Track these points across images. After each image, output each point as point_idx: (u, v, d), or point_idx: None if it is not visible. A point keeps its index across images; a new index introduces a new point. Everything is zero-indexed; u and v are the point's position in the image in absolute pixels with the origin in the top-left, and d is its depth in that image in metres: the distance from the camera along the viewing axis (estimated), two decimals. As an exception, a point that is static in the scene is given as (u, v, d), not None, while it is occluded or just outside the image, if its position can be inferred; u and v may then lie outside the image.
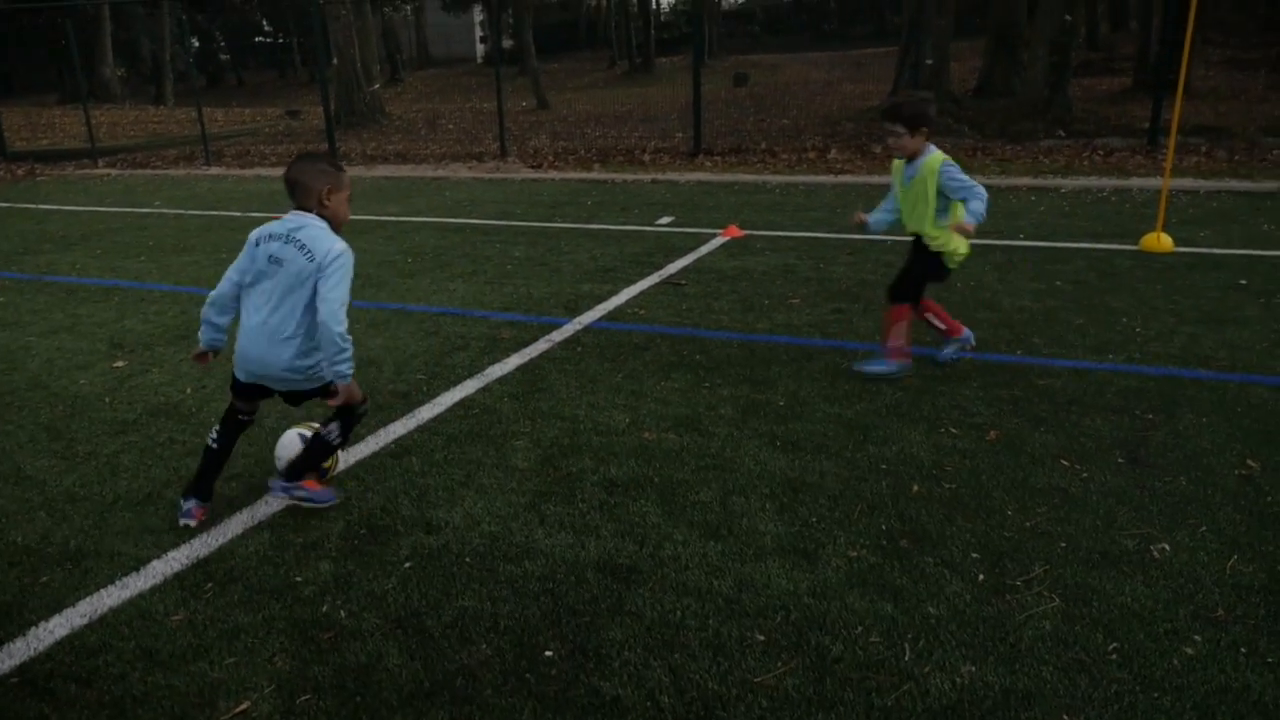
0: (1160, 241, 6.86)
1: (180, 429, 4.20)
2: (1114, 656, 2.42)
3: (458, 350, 5.15)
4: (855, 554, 2.95)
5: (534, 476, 3.59)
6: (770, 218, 8.89)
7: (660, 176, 12.04)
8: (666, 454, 3.74)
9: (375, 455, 3.83)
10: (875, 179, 11.11)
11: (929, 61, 15.42)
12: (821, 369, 4.65)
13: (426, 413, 4.26)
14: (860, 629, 2.57)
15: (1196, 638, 2.49)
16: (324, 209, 3.19)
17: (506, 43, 33.16)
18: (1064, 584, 2.75)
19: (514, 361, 4.93)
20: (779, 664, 2.44)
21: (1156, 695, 2.28)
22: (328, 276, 3.06)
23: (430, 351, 5.15)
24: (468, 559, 3.02)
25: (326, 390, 3.23)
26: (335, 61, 19.79)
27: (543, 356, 4.99)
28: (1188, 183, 9.63)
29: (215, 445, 3.40)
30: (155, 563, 3.08)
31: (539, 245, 7.99)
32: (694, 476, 3.54)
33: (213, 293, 3.32)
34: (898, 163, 4.38)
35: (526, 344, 5.20)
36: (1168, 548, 2.92)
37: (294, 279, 3.10)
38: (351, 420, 3.37)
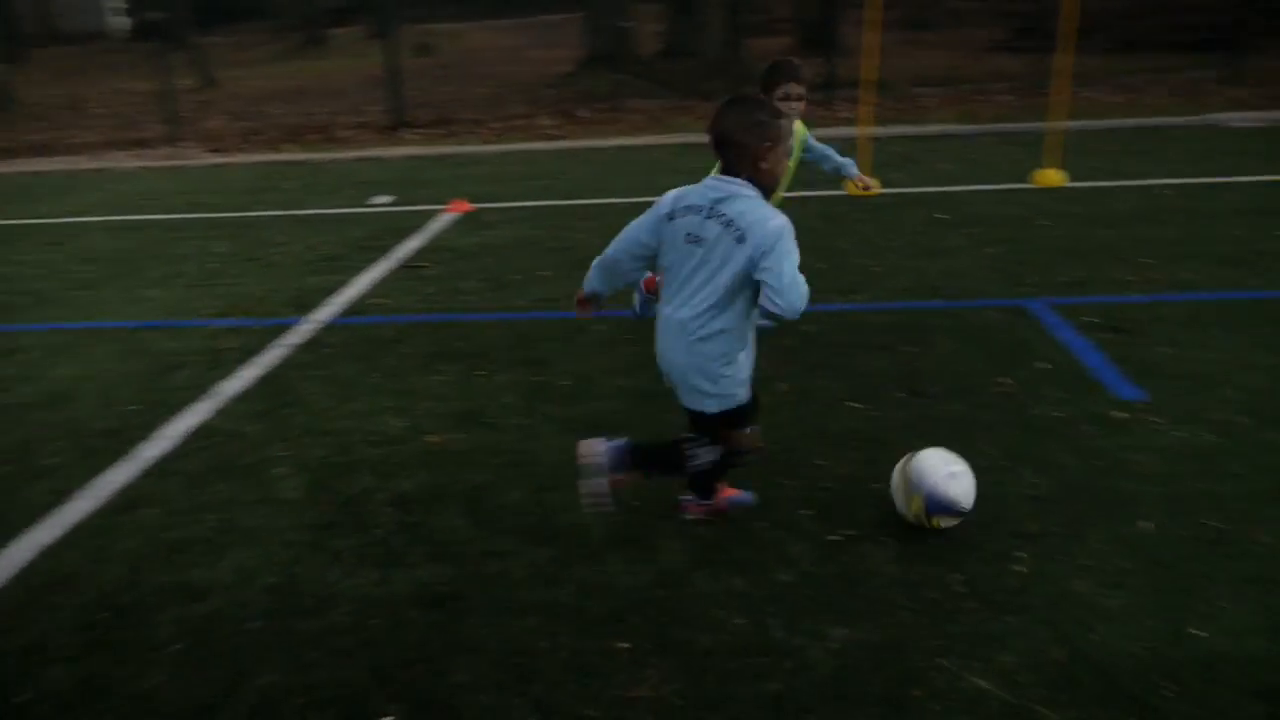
0: (854, 187, 7.38)
1: None
2: (960, 589, 2.47)
3: (174, 370, 4.38)
4: (691, 532, 2.81)
5: (309, 507, 3.09)
6: (495, 189, 8.54)
7: (364, 154, 11.22)
8: (458, 456, 3.38)
9: (97, 514, 3.12)
10: (590, 142, 11.08)
11: (630, 24, 15.66)
12: (596, 342, 4.47)
13: (151, 451, 3.56)
14: (721, 613, 2.43)
15: (1021, 554, 2.61)
16: (759, 172, 2.47)
17: (150, 14, 29.44)
18: (892, 525, 2.78)
19: (248, 374, 4.27)
20: (651, 671, 2.24)
21: (1008, 618, 2.35)
22: (771, 263, 2.37)
23: (139, 375, 4.34)
24: (254, 624, 2.51)
25: (728, 420, 2.59)
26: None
27: (283, 364, 4.38)
28: (868, 130, 10.52)
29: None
30: None
31: (243, 238, 7.09)
32: (496, 477, 3.22)
33: (599, 258, 2.74)
34: (799, 127, 4.10)
35: (257, 352, 4.54)
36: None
37: (717, 264, 2.44)
38: (732, 463, 2.74)
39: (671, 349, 2.59)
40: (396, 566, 2.72)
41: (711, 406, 2.60)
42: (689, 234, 2.49)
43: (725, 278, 2.45)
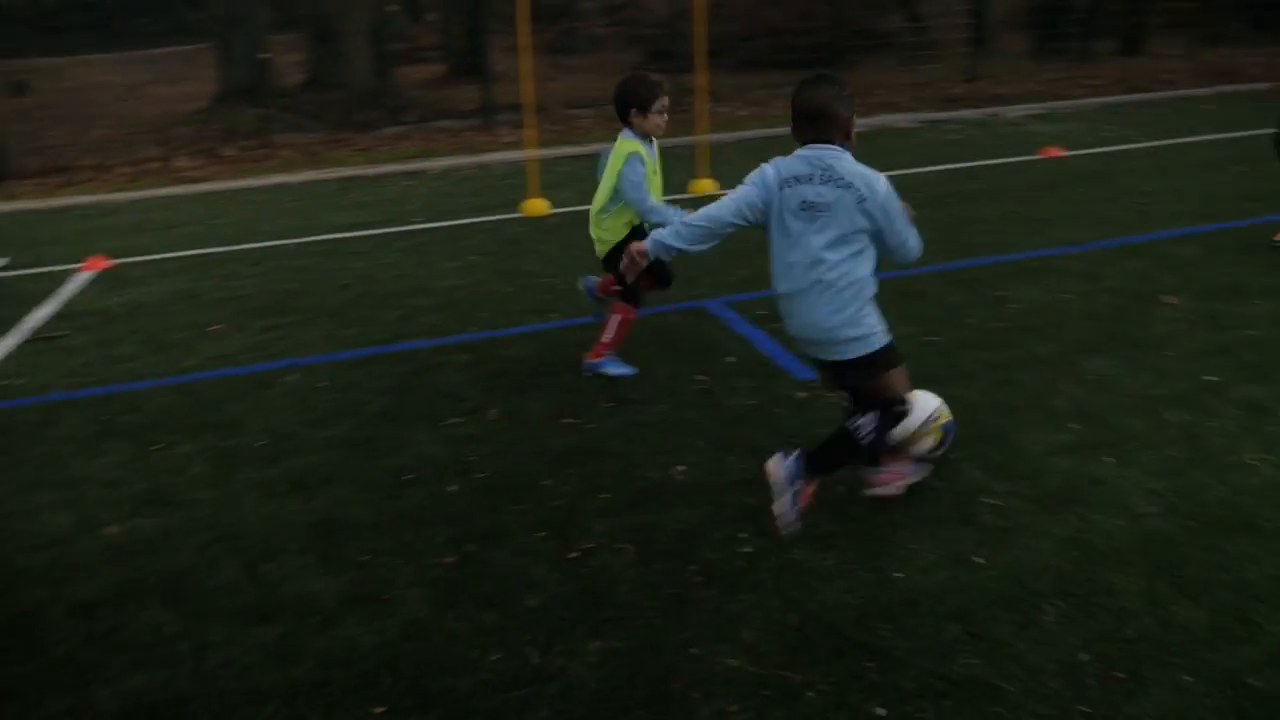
0: (539, 206, 7.58)
1: None
2: (698, 578, 2.62)
3: None
4: (428, 575, 2.72)
5: (-38, 637, 2.59)
6: (138, 241, 7.65)
7: (-41, 213, 9.57)
8: (148, 544, 3.00)
9: None
10: (242, 183, 10.30)
11: (267, 55, 14.76)
12: (286, 394, 4.17)
13: None
14: (476, 652, 2.38)
15: (743, 535, 2.82)
16: (849, 139, 2.75)
17: None
18: (625, 531, 2.88)
19: None
20: (413, 727, 2.14)
21: (743, 595, 2.53)
22: (890, 216, 2.68)
23: None
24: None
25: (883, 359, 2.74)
26: None
27: (-106, 472, 3.63)
28: (531, 153, 10.78)
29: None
30: None
31: None
32: (199, 559, 2.90)
33: (689, 220, 2.97)
34: (636, 146, 3.95)
35: None
36: (684, 468, 3.25)
37: (845, 222, 2.66)
38: (890, 417, 2.77)
39: (811, 311, 2.74)
40: (93, 684, 2.36)
41: (862, 349, 2.73)
42: (804, 201, 2.71)
43: (852, 232, 2.67)
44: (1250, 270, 4.99)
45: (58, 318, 5.61)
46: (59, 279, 6.53)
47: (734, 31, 19.36)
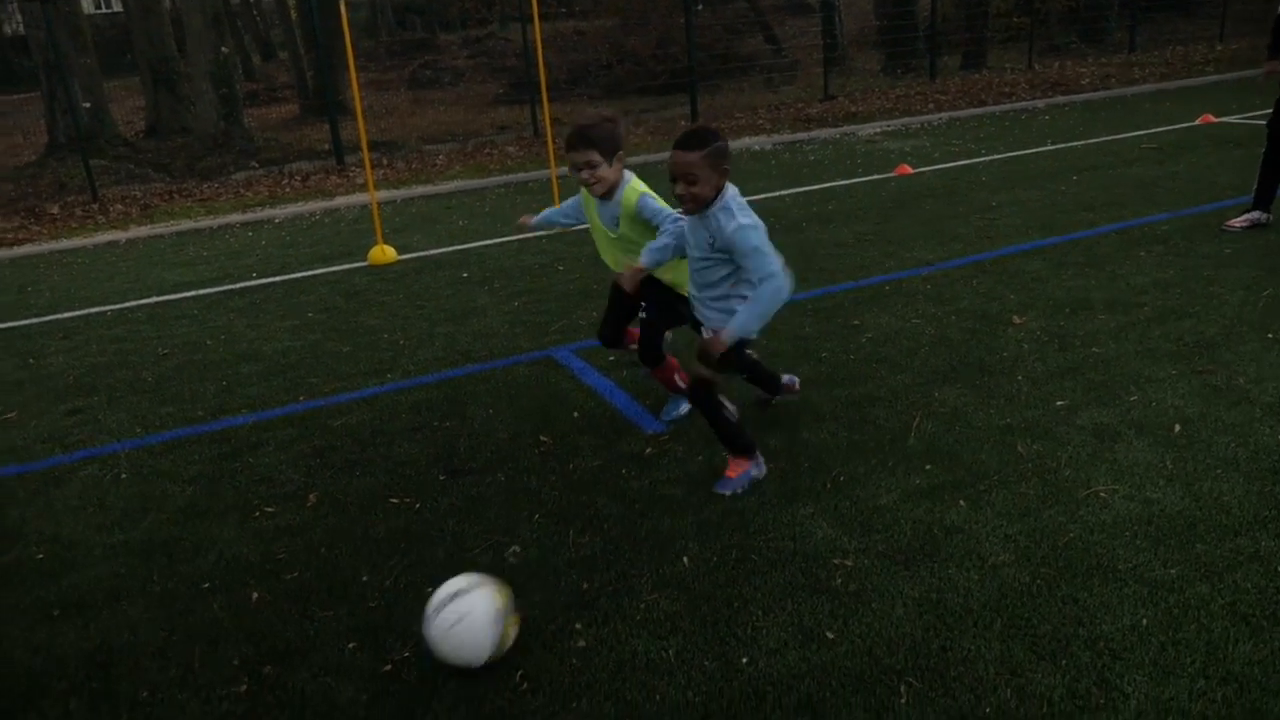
0: (385, 253, 7.18)
1: None
2: (524, 685, 2.32)
3: None
4: (216, 712, 2.34)
5: None
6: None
7: None
8: (-124, 702, 2.51)
9: None
10: (63, 244, 9.50)
11: (87, 105, 13.84)
12: (82, 491, 3.69)
13: None
14: (259, 812, 2.02)
15: (579, 625, 2.53)
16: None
17: None
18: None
19: None
20: None
21: (574, 703, 2.24)
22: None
23: None
24: None
25: None
26: None
27: None
28: (383, 194, 10.35)
29: None
30: None
31: None
32: (-64, 717, 2.43)
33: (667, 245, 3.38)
34: (589, 199, 3.62)
35: None
36: (519, 548, 2.95)
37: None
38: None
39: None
40: None
41: None
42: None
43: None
44: (1093, 283, 5.05)
45: None
46: None
47: (598, 59, 19.38)
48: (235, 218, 9.99)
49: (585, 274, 6.26)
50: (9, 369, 5.42)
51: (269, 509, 3.38)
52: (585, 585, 2.72)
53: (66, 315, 6.54)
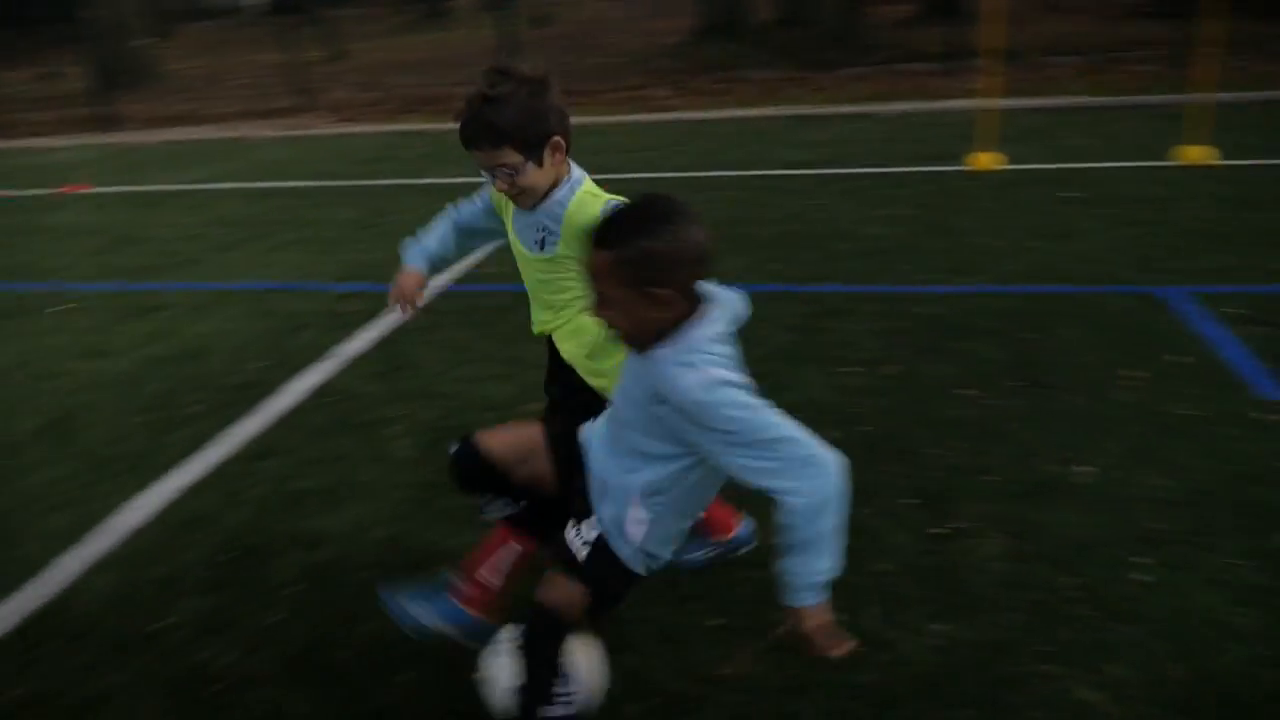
0: (988, 159, 7.10)
1: None
2: (1073, 593, 2.38)
3: (299, 330, 4.60)
4: (790, 514, 2.79)
5: (420, 467, 3.21)
6: (605, 160, 8.54)
7: (482, 123, 11.43)
8: (563, 426, 3.44)
9: (230, 461, 3.33)
10: (703, 114, 10.99)
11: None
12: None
13: (278, 405, 3.76)
14: (818, 598, 2.41)
15: (1142, 560, 2.48)
16: None
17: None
18: (1003, 520, 2.69)
19: (367, 336, 4.45)
20: (741, 650, 2.25)
21: (1124, 628, 2.24)
22: None
23: (268, 334, 4.57)
24: (365, 573, 2.64)
25: None
26: (96, 14, 17.56)
27: (399, 329, 4.54)
28: (995, 102, 10.07)
29: None
30: (-30, 629, 2.51)
31: (365, 205, 7.36)
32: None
33: None
34: (503, 202, 2.29)
35: (376, 316, 4.71)
36: (1089, 469, 2.93)
37: None
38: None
39: None
40: (500, 531, 2.80)
41: None
42: None
43: None
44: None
45: (535, 220, 6.51)
46: (542, 187, 7.54)
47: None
48: (847, 109, 10.57)
49: (1218, 213, 5.55)
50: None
51: (850, 368, 3.77)
52: (1157, 526, 2.63)
53: (699, 174, 7.67)
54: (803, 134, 9.28)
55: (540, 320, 2.36)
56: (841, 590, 2.39)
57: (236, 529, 2.90)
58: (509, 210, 2.28)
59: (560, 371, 2.34)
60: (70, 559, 2.80)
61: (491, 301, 4.84)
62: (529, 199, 2.15)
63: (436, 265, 2.47)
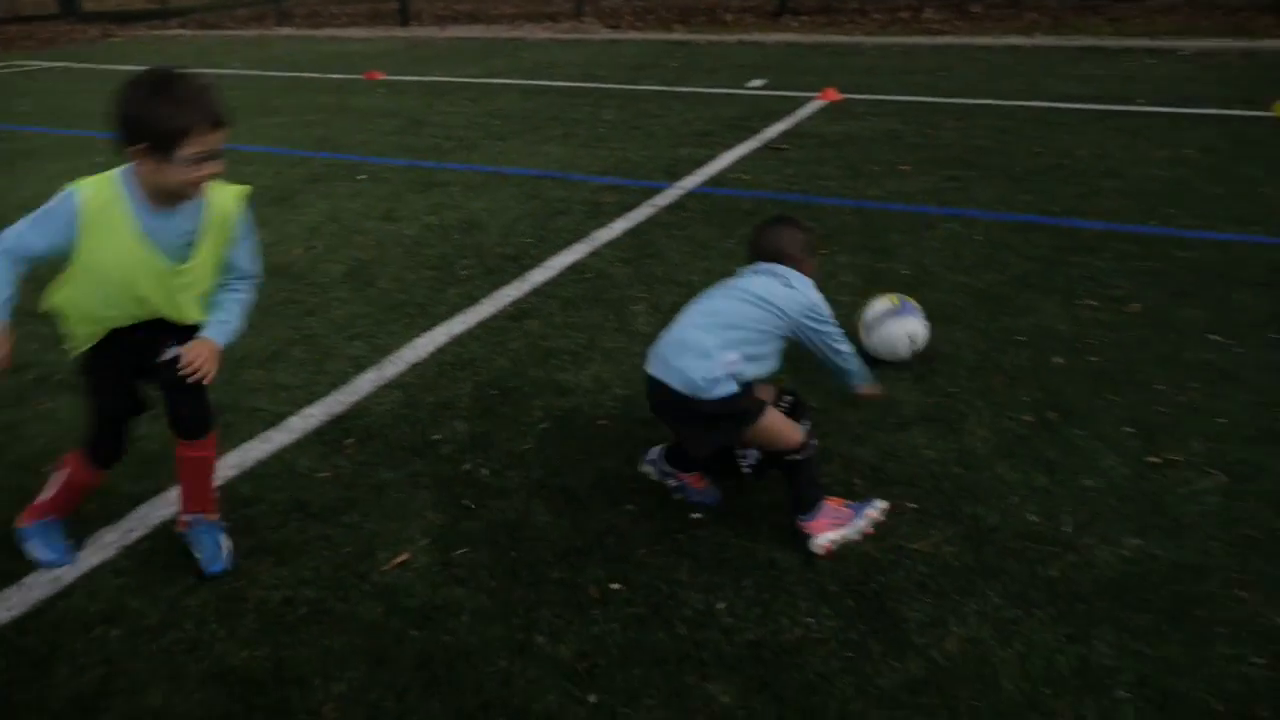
0: (1301, 107, 6.37)
1: (294, 287, 4.23)
2: (1286, 533, 2.34)
3: (561, 214, 5.06)
4: (1001, 425, 2.88)
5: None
6: (868, 81, 8.45)
7: (746, 37, 11.50)
8: (790, 322, 3.65)
9: (494, 318, 3.82)
10: (978, 40, 10.46)
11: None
12: (943, 238, 4.47)
13: (538, 276, 4.22)
14: (1015, 500, 2.52)
15: (1374, 519, 2.39)
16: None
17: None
18: (1225, 460, 2.64)
19: (620, 226, 4.83)
20: (934, 531, 2.41)
21: (1339, 577, 2.20)
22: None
23: (534, 215, 5.07)
24: (602, 421, 3.02)
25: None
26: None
27: (649, 221, 4.88)
28: (1325, 43, 8.88)
29: None
30: (293, 419, 3.13)
31: (628, 108, 7.74)
32: (822, 345, 3.45)
33: None
34: (108, 214, 2.07)
35: (630, 208, 5.08)
36: (1337, 428, 2.78)
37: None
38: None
39: None
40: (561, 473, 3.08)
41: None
42: None
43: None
44: None
45: (787, 134, 6.64)
46: (798, 103, 7.62)
47: None
48: (1141, 42, 9.69)
49: None
50: (911, 133, 6.49)
51: (1092, 302, 3.69)
52: (1403, 487, 2.49)
53: (966, 101, 7.41)
54: (1083, 68, 8.66)
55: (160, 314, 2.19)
56: (1043, 495, 2.51)
57: (498, 373, 3.37)
58: (123, 218, 2.05)
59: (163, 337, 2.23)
60: (365, 378, 3.38)
61: (735, 204, 5.07)
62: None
63: (11, 310, 2.07)
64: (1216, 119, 6.49)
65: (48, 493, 2.46)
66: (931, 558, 2.32)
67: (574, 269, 4.29)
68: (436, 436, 2.99)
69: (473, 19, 15.17)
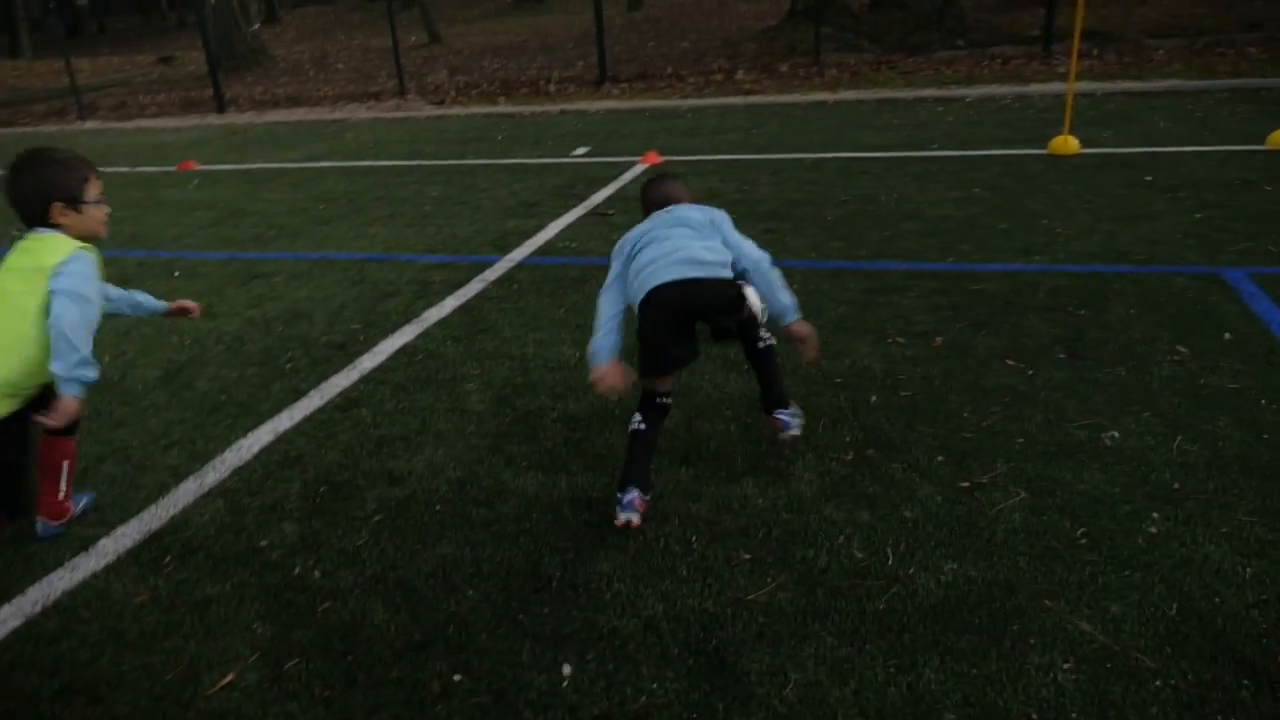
0: (1068, 144, 7.06)
1: (101, 398, 3.97)
2: (1083, 541, 2.53)
3: (389, 296, 4.98)
4: (825, 467, 3.00)
5: (491, 418, 3.52)
6: (687, 142, 8.80)
7: (569, 107, 11.77)
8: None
9: (322, 410, 3.70)
10: (785, 98, 11.09)
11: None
12: (763, 289, 4.65)
13: (368, 362, 4.13)
14: (841, 538, 2.62)
15: (1155, 515, 2.62)
16: None
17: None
18: (1026, 477, 2.85)
19: (450, 304, 4.80)
20: (769, 579, 2.48)
21: (1127, 573, 2.39)
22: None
23: (361, 299, 4.97)
24: (438, 507, 2.96)
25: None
26: (212, 1, 18.57)
27: (479, 296, 4.87)
28: (1084, 85, 9.89)
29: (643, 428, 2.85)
30: (104, 540, 2.92)
31: (455, 183, 7.75)
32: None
33: (605, 327, 3.01)
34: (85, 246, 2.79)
35: (460, 285, 5.06)
36: (1117, 434, 3.05)
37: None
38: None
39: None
40: (560, 473, 3.09)
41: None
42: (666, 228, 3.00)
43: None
44: None
45: (612, 199, 6.80)
46: (622, 168, 7.83)
47: None
48: (930, 92, 10.53)
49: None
50: (729, 190, 6.78)
51: (900, 339, 3.93)
52: (1176, 486, 2.75)
53: (776, 156, 7.82)
54: (883, 118, 9.32)
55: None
56: (867, 532, 2.62)
57: (328, 468, 3.25)
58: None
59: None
60: (185, 488, 3.20)
61: (564, 274, 5.14)
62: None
63: None
64: (1000, 159, 7.10)
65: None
66: (768, 607, 2.38)
67: (404, 351, 4.22)
68: (263, 542, 2.85)
69: (294, 102, 14.89)
